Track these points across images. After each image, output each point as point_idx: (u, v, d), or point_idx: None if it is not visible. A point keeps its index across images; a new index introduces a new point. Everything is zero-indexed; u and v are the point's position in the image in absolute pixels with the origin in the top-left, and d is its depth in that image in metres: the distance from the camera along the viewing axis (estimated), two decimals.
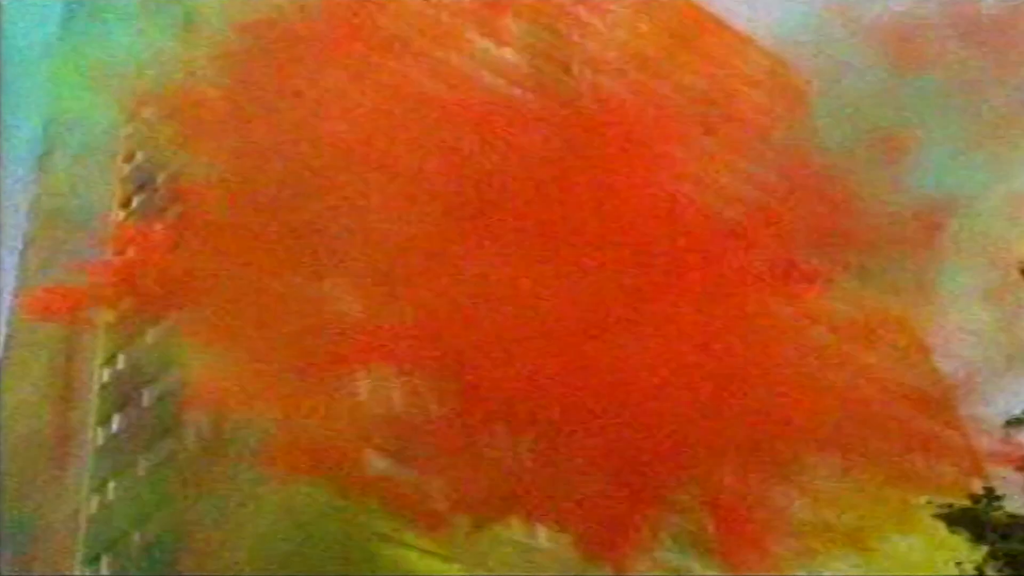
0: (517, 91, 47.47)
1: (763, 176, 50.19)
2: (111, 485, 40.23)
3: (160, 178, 46.79)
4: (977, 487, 17.98)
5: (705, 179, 48.37)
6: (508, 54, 51.14)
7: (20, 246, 53.02)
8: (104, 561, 38.54)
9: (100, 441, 42.01)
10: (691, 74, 52.90)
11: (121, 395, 42.32)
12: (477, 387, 34.70)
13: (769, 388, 43.43)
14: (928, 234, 44.25)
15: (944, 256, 44.33)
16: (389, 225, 37.43)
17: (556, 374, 35.13)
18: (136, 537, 37.82)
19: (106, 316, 44.53)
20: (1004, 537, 16.74)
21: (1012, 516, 16.72)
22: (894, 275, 46.98)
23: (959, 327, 46.99)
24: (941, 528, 17.45)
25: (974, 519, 16.78)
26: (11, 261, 52.95)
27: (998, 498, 17.17)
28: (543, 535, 36.49)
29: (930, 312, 49.48)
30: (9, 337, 50.58)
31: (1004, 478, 18.37)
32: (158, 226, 43.96)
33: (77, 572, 38.93)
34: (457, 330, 34.90)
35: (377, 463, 35.03)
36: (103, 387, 43.62)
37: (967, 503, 17.32)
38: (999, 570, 16.60)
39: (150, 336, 42.02)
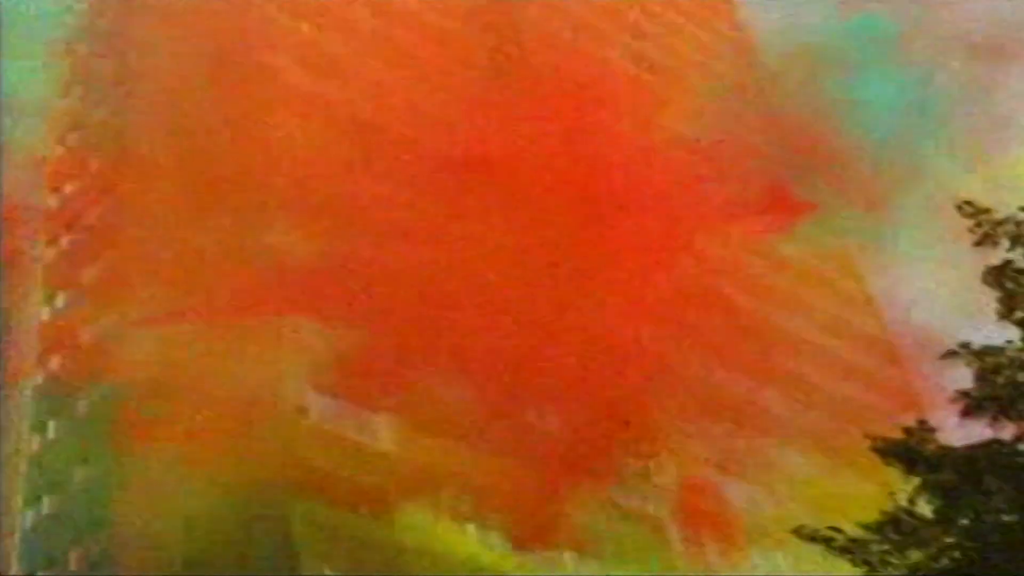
0: (449, 22, 46.65)
1: (708, 115, 50.13)
2: (51, 425, 39.91)
3: (96, 116, 46.04)
4: (912, 421, 18.18)
5: (647, 118, 48.25)
6: None
7: None
8: (45, 502, 38.33)
9: (39, 381, 41.60)
10: (630, 8, 52.57)
11: (59, 335, 41.86)
12: (423, 335, 34.59)
13: (717, 330, 43.89)
14: (875, 178, 44.59)
15: (891, 198, 44.73)
16: (332, 169, 37.07)
17: (502, 323, 35.10)
18: (77, 477, 37.61)
19: (44, 254, 44.02)
20: (935, 469, 17.00)
21: (944, 448, 16.97)
22: (843, 220, 47.43)
23: (905, 269, 47.64)
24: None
25: (906, 451, 17.02)
26: None
27: (931, 431, 17.41)
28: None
29: (878, 257, 50.11)
30: None
31: (938, 412, 18.65)
32: (94, 163, 43.38)
33: (18, 512, 38.68)
34: (403, 277, 34.74)
35: (320, 403, 34.98)
36: (42, 326, 43.15)
37: (900, 436, 17.54)
38: (929, 501, 16.88)
39: (87, 275, 41.54)
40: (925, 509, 17.07)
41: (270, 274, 34.48)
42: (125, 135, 42.59)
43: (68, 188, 44.48)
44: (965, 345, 16.90)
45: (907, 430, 17.50)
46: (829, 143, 44.85)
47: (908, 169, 44.27)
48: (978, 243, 17.64)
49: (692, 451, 42.20)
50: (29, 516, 38.49)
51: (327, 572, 31.49)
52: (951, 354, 16.92)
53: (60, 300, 42.98)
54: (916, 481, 17.03)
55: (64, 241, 43.01)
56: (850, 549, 16.82)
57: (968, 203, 17.92)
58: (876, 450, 17.37)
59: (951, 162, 43.23)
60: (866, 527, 16.92)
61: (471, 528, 35.23)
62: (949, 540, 16.25)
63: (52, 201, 44.81)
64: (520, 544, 34.87)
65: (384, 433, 35.81)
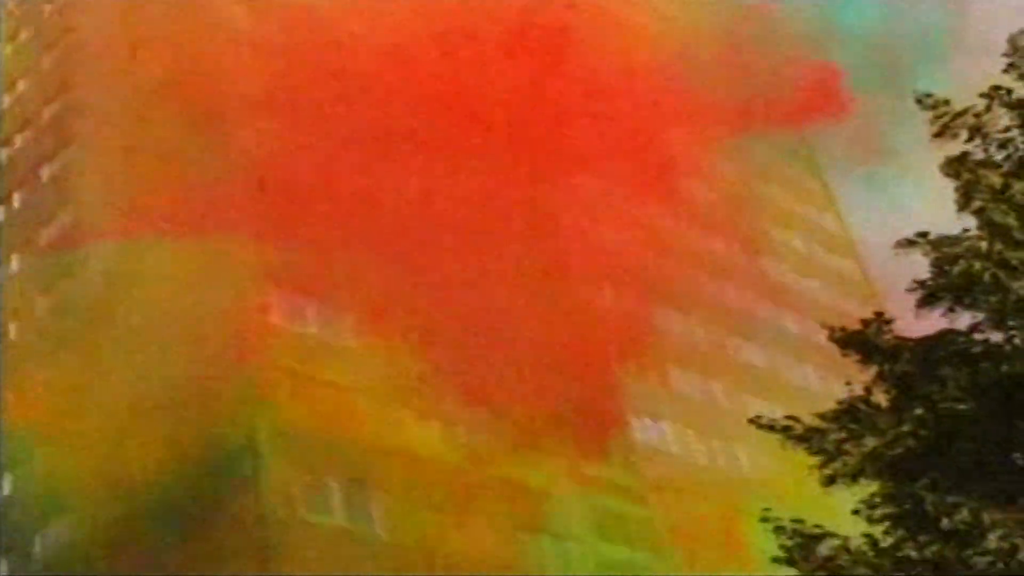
0: None
1: (679, 20, 49.72)
2: (12, 327, 39.71)
3: (47, 11, 45.12)
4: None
5: (621, 19, 47.78)
6: None
7: None
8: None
9: (1, 280, 41.35)
10: None
11: (19, 235, 41.47)
12: (377, 255, 34.34)
13: (680, 227, 44.08)
14: (852, 93, 44.58)
15: (866, 113, 44.77)
16: (293, 79, 36.51)
17: (468, 226, 34.90)
18: (39, 376, 37.48)
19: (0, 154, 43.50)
20: (892, 359, 17.13)
21: (900, 338, 17.09)
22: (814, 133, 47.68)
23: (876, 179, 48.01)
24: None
25: (863, 341, 17.14)
26: None
27: (888, 322, 17.49)
28: None
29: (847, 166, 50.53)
30: None
31: (894, 303, 18.75)
32: (47, 60, 42.63)
33: None
34: (356, 193, 34.38)
35: (282, 302, 34.86)
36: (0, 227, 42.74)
37: (858, 327, 17.64)
38: (886, 391, 17.04)
39: (45, 173, 41.05)
40: (881, 399, 17.23)
41: (226, 176, 34.09)
42: (78, 31, 41.79)
43: (21, 84, 43.77)
44: (923, 234, 16.92)
45: (864, 321, 17.59)
46: (807, 62, 44.86)
47: (884, 83, 44.38)
48: (937, 135, 17.57)
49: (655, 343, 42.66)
50: None
51: (292, 473, 31.54)
52: (908, 243, 16.92)
53: (16, 200, 42.55)
54: (873, 371, 17.16)
55: (20, 138, 42.44)
56: (807, 438, 16.98)
57: (928, 95, 17.81)
58: (834, 340, 17.47)
59: (927, 76, 43.20)
60: (823, 416, 17.09)
61: (436, 426, 35.35)
62: (904, 428, 16.41)
63: (5, 100, 44.13)
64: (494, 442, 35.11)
65: (348, 332, 35.75)
